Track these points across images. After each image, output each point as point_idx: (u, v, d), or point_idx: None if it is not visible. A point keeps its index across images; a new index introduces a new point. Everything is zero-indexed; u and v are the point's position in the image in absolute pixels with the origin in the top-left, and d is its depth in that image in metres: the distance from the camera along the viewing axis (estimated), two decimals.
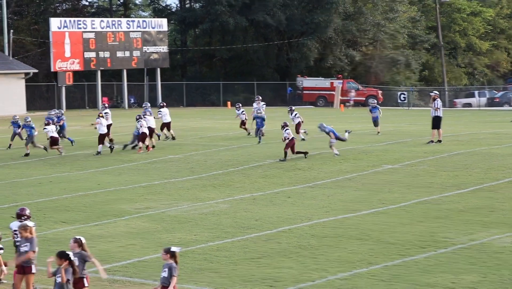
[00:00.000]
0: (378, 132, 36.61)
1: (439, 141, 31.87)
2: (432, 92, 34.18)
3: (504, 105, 65.02)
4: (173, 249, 12.31)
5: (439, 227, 18.54)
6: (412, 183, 24.23)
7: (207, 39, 76.42)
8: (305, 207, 21.36)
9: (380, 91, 69.16)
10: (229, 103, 65.28)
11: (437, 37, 78.81)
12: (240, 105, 39.78)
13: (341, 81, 68.38)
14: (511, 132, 36.39)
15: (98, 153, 31.97)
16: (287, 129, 29.41)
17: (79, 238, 12.75)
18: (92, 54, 61.93)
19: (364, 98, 67.47)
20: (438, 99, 32.87)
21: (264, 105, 39.40)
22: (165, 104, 37.50)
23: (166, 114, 36.07)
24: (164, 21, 67.40)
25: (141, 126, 32.25)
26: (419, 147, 31.22)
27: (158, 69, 66.61)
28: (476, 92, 70.50)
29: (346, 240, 17.62)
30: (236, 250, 16.96)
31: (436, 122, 32.11)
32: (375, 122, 37.45)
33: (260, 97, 41.93)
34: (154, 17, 73.16)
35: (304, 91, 68.88)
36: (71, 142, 35.33)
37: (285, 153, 29.12)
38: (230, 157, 30.44)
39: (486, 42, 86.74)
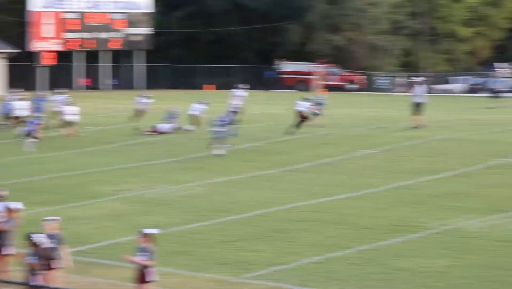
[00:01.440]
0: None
1: (417, 127, 32.01)
2: (415, 79, 34.45)
3: (484, 92, 65.32)
4: (150, 231, 12.26)
5: (413, 212, 18.72)
6: (390, 168, 24.39)
7: (191, 22, 76.17)
8: (282, 191, 21.46)
9: (361, 76, 69.31)
10: (211, 86, 65.17)
11: (419, 23, 78.99)
12: None
13: (322, 65, 68.44)
14: (489, 119, 36.64)
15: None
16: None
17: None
18: (75, 35, 61.61)
19: (344, 83, 67.60)
20: (420, 86, 33.13)
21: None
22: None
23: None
24: (148, 3, 67.11)
25: None
26: (398, 132, 31.38)
27: (142, 51, 66.37)
28: (456, 79, 70.82)
29: (322, 224, 17.76)
30: (212, 233, 17.06)
31: (418, 108, 32.29)
32: None
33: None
34: None
35: (284, 75, 68.90)
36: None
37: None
38: (208, 141, 30.42)
39: (467, 28, 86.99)
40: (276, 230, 17.20)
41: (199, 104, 33.84)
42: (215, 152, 26.98)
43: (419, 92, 32.38)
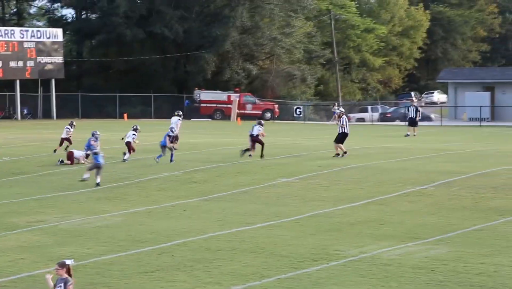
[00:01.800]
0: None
1: (345, 153, 32.42)
2: (338, 110, 35.46)
3: (396, 120, 66.73)
4: (67, 262, 12.05)
5: (331, 239, 18.87)
6: (306, 196, 24.57)
7: (104, 50, 75.73)
8: (200, 220, 21.39)
9: (276, 105, 69.92)
10: (125, 115, 64.75)
11: (332, 52, 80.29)
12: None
13: (238, 94, 68.84)
14: (401, 147, 37.37)
15: None
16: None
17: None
18: None
19: (260, 112, 68.08)
20: (344, 116, 33.78)
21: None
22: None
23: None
24: (59, 31, 66.43)
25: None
26: (313, 161, 31.70)
27: (53, 80, 65.54)
28: (369, 108, 72.17)
29: (240, 253, 17.73)
30: (129, 264, 16.84)
31: (341, 138, 32.75)
32: None
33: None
34: (49, 27, 71.97)
35: (202, 104, 69.01)
36: None
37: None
38: (126, 170, 30.19)
39: (379, 58, 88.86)
40: (194, 260, 17.09)
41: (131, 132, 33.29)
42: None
43: (343, 123, 32.95)
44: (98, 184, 26.74)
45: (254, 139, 32.70)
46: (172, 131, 32.44)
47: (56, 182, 27.93)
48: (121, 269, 16.38)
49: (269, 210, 22.66)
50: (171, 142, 31.95)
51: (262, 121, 34.27)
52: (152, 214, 22.41)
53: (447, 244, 18.26)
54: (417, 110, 46.08)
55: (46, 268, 16.23)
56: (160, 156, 31.48)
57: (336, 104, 42.62)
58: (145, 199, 24.69)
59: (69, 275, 11.91)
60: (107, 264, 16.81)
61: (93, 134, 32.08)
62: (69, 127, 35.75)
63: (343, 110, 35.61)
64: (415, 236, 19.10)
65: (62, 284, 11.84)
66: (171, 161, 31.38)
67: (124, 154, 32.45)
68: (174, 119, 37.01)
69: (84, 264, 16.64)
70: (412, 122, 46.20)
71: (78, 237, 19.40)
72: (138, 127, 33.84)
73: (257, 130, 32.85)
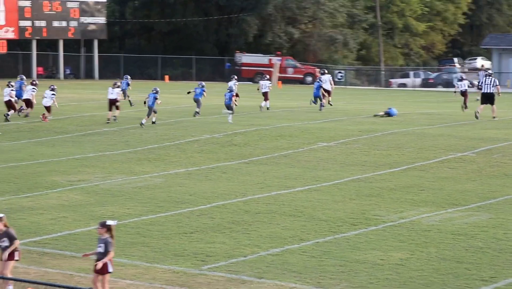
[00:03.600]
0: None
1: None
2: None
3: (438, 86, 66.04)
4: (109, 222, 12.11)
5: (370, 204, 18.83)
6: (346, 161, 24.51)
7: (146, 11, 75.72)
8: (240, 183, 21.46)
9: (318, 70, 69.51)
10: (166, 77, 64.90)
11: (375, 17, 79.48)
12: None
13: (280, 58, 68.55)
14: (443, 113, 37.01)
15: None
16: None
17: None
18: (27, 23, 60.86)
19: (302, 76, 67.82)
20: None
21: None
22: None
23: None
24: None
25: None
26: (354, 126, 31.56)
27: (96, 41, 65.82)
28: (411, 73, 71.44)
29: (279, 216, 17.78)
30: (169, 225, 16.98)
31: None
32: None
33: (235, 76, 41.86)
34: None
35: (243, 67, 68.86)
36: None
37: None
38: (167, 131, 30.35)
39: (422, 23, 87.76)
40: (233, 222, 17.19)
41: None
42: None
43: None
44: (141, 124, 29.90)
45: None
46: (231, 91, 33.97)
47: (98, 142, 28.17)
48: (161, 230, 16.53)
49: (309, 174, 22.65)
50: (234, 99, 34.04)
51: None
52: (192, 175, 22.52)
53: (487, 210, 18.14)
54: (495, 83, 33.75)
55: (87, 226, 16.45)
56: (231, 113, 32.65)
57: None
58: (185, 160, 24.80)
59: (111, 235, 11.98)
60: (147, 224, 16.97)
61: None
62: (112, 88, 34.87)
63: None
64: (455, 202, 18.99)
65: (103, 244, 11.92)
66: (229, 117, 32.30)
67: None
68: (231, 82, 38.45)
69: (125, 223, 16.82)
70: (489, 98, 33.42)
71: (118, 197, 19.59)
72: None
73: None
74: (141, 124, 31.37)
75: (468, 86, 40.42)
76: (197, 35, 73.97)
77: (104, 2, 66.81)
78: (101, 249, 11.92)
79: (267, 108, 37.06)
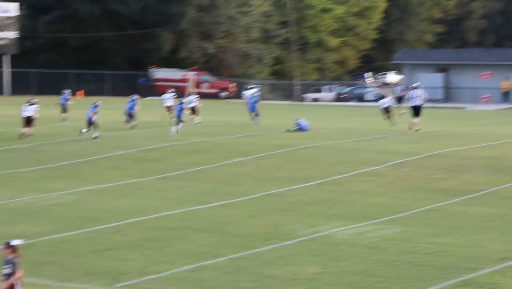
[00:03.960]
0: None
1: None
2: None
3: (351, 101, 67.07)
4: (14, 242, 11.85)
5: (284, 219, 18.94)
6: (261, 176, 24.61)
7: (59, 26, 74.74)
8: (154, 199, 21.32)
9: (232, 84, 69.79)
10: (80, 92, 64.11)
11: (289, 32, 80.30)
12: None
13: (195, 73, 68.56)
14: (356, 127, 37.58)
15: None
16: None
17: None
18: None
19: (216, 91, 67.95)
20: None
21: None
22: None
23: None
24: (13, 6, 65.42)
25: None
26: (269, 140, 31.74)
27: (6, 56, 64.58)
28: (325, 88, 72.39)
29: (193, 232, 17.72)
30: (81, 242, 16.74)
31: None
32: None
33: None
34: (3, 1, 70.82)
35: (157, 83, 68.60)
36: None
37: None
38: (80, 148, 29.95)
39: (335, 38, 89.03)
40: (147, 239, 17.05)
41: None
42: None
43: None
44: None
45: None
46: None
47: (7, 159, 27.60)
48: (73, 248, 16.28)
49: (224, 189, 22.66)
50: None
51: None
52: (105, 192, 22.27)
53: (398, 224, 18.45)
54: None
55: None
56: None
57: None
58: (99, 177, 24.51)
59: (17, 255, 11.71)
60: (59, 243, 16.69)
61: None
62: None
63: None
64: (368, 216, 19.26)
65: (10, 265, 11.61)
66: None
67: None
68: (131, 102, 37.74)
69: (35, 242, 16.50)
70: (417, 111, 35.29)
71: (29, 215, 19.21)
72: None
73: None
74: (81, 132, 32.50)
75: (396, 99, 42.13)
76: (111, 50, 73.37)
77: (16, 16, 65.69)
78: (7, 271, 11.64)
79: (196, 123, 37.45)
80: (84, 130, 32.32)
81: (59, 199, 21.25)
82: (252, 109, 40.07)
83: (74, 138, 32.13)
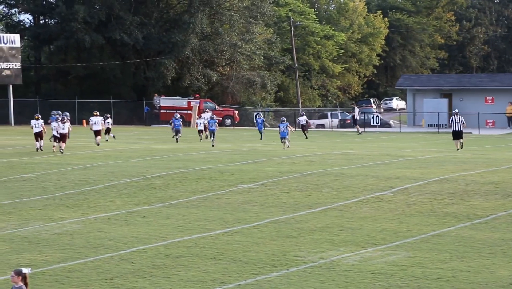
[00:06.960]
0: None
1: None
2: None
3: (353, 127, 67.11)
4: (24, 270, 11.90)
5: (291, 246, 18.91)
6: (266, 203, 24.60)
7: (62, 56, 75.15)
8: (160, 227, 21.30)
9: (236, 111, 69.94)
10: (84, 121, 64.28)
11: (292, 59, 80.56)
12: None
13: (198, 100, 68.74)
14: (361, 153, 37.59)
15: None
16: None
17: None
18: None
19: (220, 118, 68.06)
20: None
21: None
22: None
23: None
24: (16, 37, 65.79)
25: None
26: (274, 167, 31.75)
27: (11, 86, 64.86)
28: (329, 114, 72.52)
29: (200, 259, 17.69)
30: (88, 271, 16.71)
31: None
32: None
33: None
34: (6, 33, 71.25)
35: (161, 110, 68.76)
36: None
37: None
38: (85, 176, 29.98)
39: (338, 65, 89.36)
40: (154, 266, 17.02)
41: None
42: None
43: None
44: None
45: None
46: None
47: (13, 189, 27.63)
48: (80, 276, 16.24)
49: (229, 216, 22.64)
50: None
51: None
52: (111, 220, 22.26)
53: (405, 249, 18.41)
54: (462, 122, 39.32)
55: (3, 275, 16.04)
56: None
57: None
58: (104, 205, 24.52)
59: (25, 283, 11.76)
60: (66, 271, 16.66)
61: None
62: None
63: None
64: (374, 241, 19.22)
65: None
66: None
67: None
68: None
69: (43, 271, 16.48)
70: (458, 134, 39.13)
71: (36, 244, 19.21)
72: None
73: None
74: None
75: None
76: (114, 79, 73.72)
77: (19, 47, 66.03)
78: None
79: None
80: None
81: (66, 227, 21.25)
82: (260, 128, 48.83)
83: (80, 166, 32.16)
